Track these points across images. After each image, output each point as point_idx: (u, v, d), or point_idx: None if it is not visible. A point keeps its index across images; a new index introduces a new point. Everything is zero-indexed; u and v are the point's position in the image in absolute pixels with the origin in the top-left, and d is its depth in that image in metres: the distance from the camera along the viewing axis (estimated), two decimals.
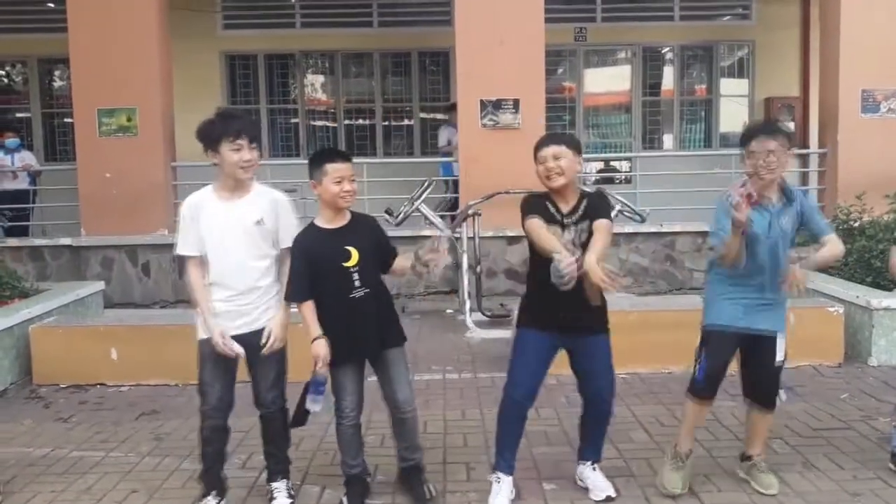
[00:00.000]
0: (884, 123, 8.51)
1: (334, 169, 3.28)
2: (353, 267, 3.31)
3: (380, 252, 3.42)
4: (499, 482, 3.48)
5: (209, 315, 3.30)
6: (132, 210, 8.33)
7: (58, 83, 11.84)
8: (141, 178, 8.33)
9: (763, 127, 3.52)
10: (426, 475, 3.62)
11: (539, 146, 3.37)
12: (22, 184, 9.63)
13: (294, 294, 3.34)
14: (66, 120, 10.87)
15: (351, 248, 3.32)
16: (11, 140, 9.60)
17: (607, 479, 3.56)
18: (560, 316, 3.30)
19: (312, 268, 3.32)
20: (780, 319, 3.51)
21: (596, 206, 3.38)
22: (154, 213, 8.46)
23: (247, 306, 3.34)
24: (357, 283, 3.31)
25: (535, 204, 3.37)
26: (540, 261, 3.29)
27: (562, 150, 3.31)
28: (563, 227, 3.32)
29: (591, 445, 3.60)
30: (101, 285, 7.45)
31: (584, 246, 3.27)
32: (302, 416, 3.41)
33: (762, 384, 3.55)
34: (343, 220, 3.38)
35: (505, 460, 3.52)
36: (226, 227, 3.30)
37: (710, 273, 3.60)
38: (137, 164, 8.32)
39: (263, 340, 3.30)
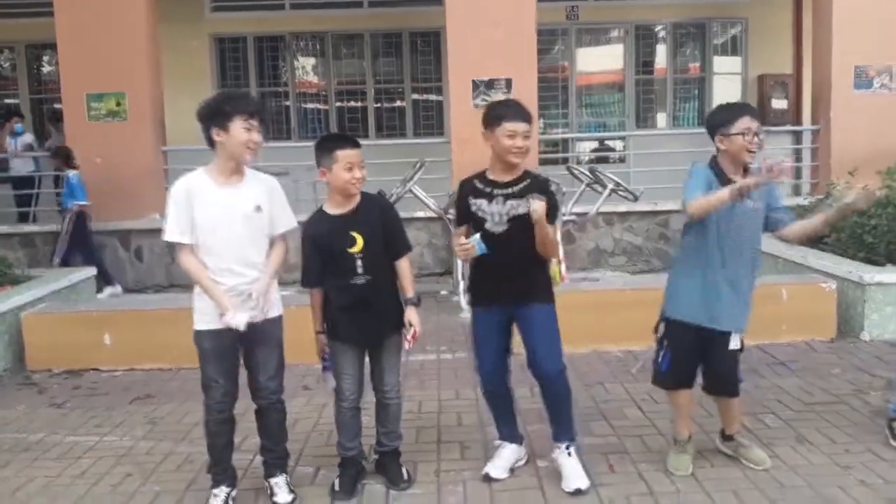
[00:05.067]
0: (876, 99, 8.52)
1: (345, 156, 3.25)
2: (358, 253, 3.30)
3: (386, 242, 3.38)
4: (499, 447, 3.62)
5: (219, 293, 3.11)
6: (123, 195, 8.29)
7: (46, 68, 11.75)
8: (131, 163, 8.30)
9: (748, 107, 3.48)
10: (403, 459, 3.62)
11: (507, 116, 3.29)
12: (28, 167, 9.73)
13: (305, 280, 3.41)
14: (55, 105, 10.79)
15: (356, 235, 3.30)
16: (20, 125, 9.86)
17: (583, 469, 3.42)
18: (499, 287, 3.35)
19: (320, 253, 3.34)
20: (742, 317, 3.43)
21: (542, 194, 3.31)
22: (145, 198, 8.43)
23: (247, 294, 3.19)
24: (360, 270, 3.30)
25: (464, 193, 3.42)
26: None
27: (530, 129, 3.32)
28: (491, 198, 3.34)
29: (558, 425, 3.50)
30: (92, 271, 7.43)
31: (513, 221, 3.31)
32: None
33: (718, 375, 3.51)
34: (351, 205, 3.36)
35: (501, 432, 3.64)
36: (225, 214, 3.14)
37: (677, 262, 3.56)
38: (128, 148, 8.29)
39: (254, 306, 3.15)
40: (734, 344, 3.44)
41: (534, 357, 3.38)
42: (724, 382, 3.53)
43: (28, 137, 10.09)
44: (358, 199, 3.38)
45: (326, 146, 3.30)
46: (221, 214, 3.14)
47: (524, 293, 3.39)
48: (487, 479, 3.49)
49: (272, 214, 3.26)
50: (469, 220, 3.42)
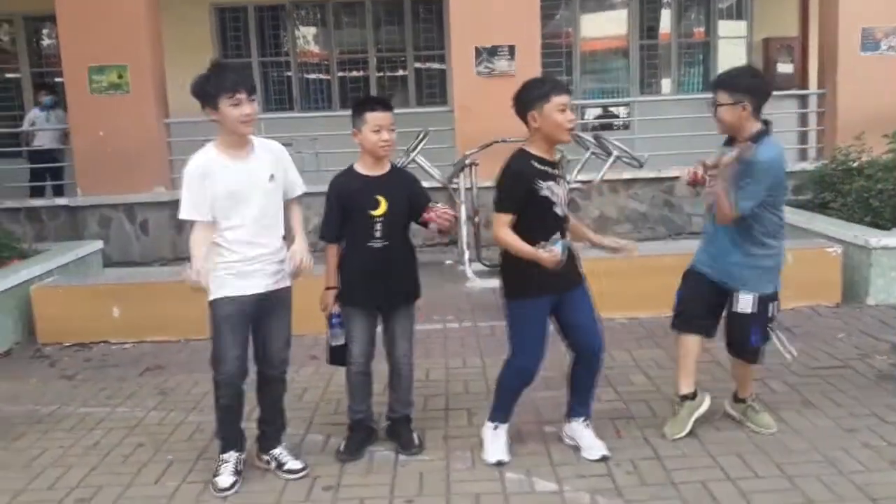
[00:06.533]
0: (883, 61, 8.42)
1: (373, 118, 3.31)
2: (379, 217, 3.35)
3: (412, 207, 3.43)
4: (496, 429, 3.48)
5: (201, 258, 3.14)
6: (128, 168, 8.29)
7: (46, 42, 11.65)
8: (135, 136, 8.27)
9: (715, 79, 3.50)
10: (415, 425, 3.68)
11: (557, 90, 3.13)
12: (51, 141, 9.75)
13: (325, 233, 3.47)
14: (56, 79, 10.74)
15: (381, 198, 3.35)
16: (49, 98, 9.86)
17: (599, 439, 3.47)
18: (557, 274, 3.16)
19: (343, 209, 3.38)
20: (749, 279, 3.44)
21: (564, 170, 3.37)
22: (150, 171, 8.42)
23: (273, 265, 3.26)
24: (377, 234, 3.35)
25: (524, 175, 3.16)
26: (528, 226, 3.18)
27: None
28: (557, 179, 3.24)
29: (582, 400, 3.50)
30: (99, 244, 7.47)
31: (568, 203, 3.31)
32: (338, 353, 3.52)
33: (728, 334, 3.57)
34: (381, 170, 3.42)
35: (503, 413, 3.51)
36: (245, 187, 3.16)
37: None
38: (131, 121, 8.26)
39: (291, 266, 3.27)
40: (741, 306, 3.45)
41: (585, 336, 3.38)
42: (733, 343, 3.57)
43: (60, 114, 10.00)
44: (388, 166, 3.44)
45: (358, 108, 3.37)
46: (240, 189, 3.17)
47: (574, 276, 3.37)
48: (500, 465, 3.38)
49: (285, 181, 3.33)
50: (524, 206, 3.16)
